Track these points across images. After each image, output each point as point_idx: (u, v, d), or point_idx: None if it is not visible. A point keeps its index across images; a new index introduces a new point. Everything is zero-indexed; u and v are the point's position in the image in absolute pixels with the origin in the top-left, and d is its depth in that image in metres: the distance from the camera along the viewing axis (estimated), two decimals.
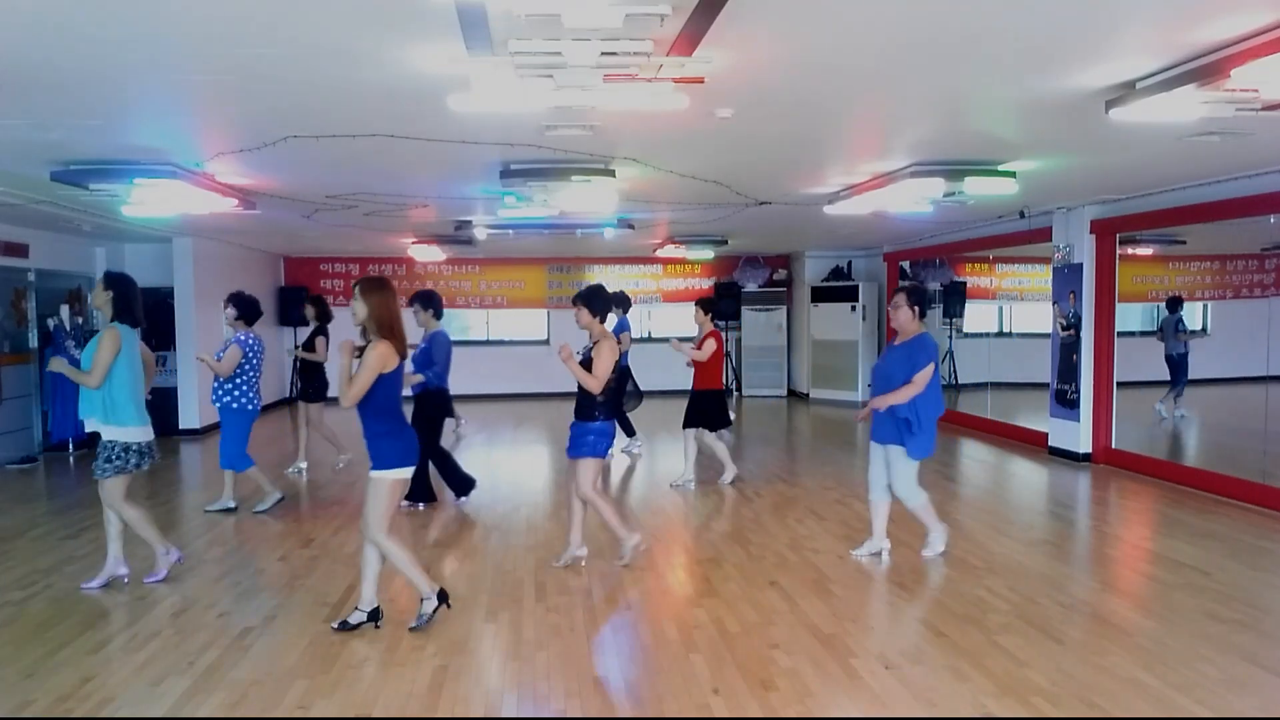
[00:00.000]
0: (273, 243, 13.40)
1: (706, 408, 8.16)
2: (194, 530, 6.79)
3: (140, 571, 5.54)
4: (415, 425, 7.22)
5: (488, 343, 16.49)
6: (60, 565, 5.84)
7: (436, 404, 7.41)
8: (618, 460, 9.71)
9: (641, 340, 16.09)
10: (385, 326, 4.46)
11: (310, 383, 9.05)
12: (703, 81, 4.05)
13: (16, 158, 6.15)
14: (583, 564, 5.78)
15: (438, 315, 7.52)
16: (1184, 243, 10.98)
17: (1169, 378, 11.61)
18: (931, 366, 5.53)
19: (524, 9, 3.03)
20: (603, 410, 5.56)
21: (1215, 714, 3.68)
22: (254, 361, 7.28)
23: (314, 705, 3.80)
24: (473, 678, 4.09)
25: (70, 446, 10.34)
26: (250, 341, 7.26)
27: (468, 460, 10.11)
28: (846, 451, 10.51)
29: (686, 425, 8.27)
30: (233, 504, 7.35)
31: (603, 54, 3.54)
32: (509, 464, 10.13)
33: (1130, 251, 10.02)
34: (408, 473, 4.55)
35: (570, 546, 5.80)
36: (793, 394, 15.92)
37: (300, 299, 10.94)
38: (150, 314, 11.97)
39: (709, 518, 7.19)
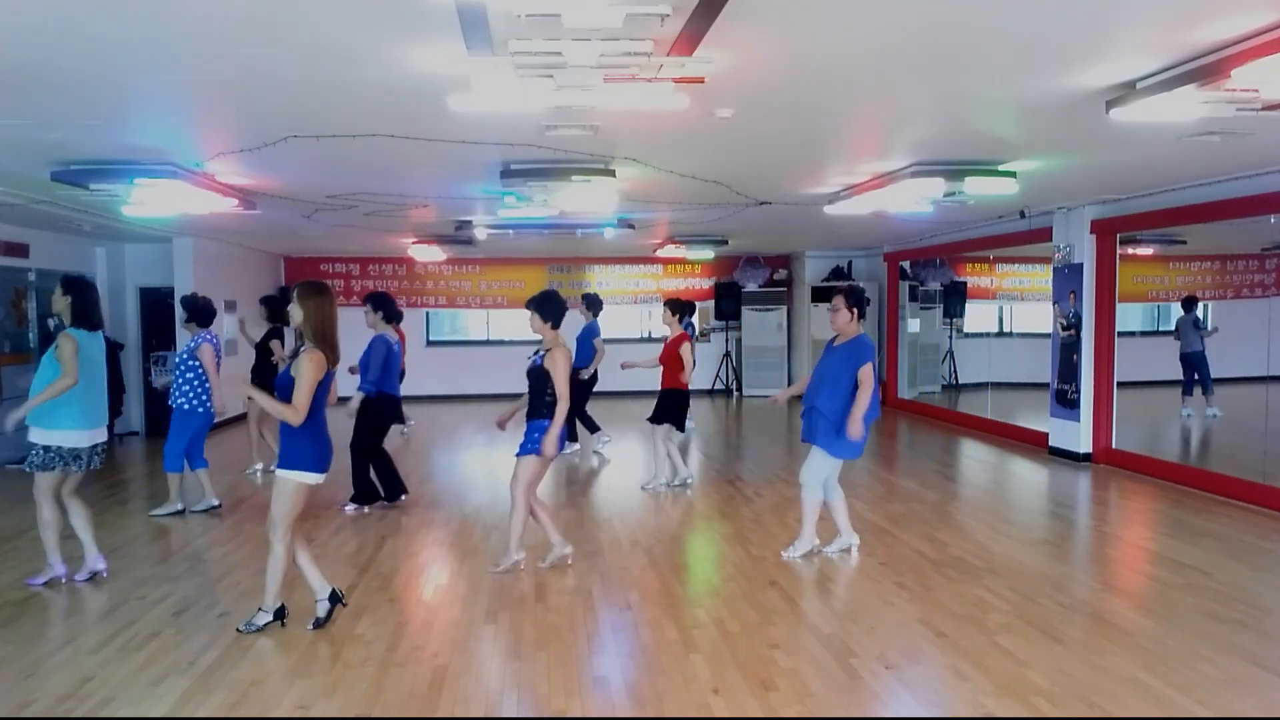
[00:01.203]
0: (273, 243, 13.40)
1: (668, 406, 8.13)
2: (194, 530, 6.79)
3: (114, 567, 5.54)
4: (360, 427, 7.24)
5: (488, 343, 16.49)
6: None
7: (385, 408, 7.35)
8: (594, 460, 9.72)
9: (642, 340, 16.14)
10: (318, 333, 4.47)
11: (259, 381, 8.82)
12: (703, 81, 4.05)
13: (17, 158, 6.15)
14: (569, 562, 5.78)
15: (388, 319, 7.44)
16: (1184, 243, 10.98)
17: (1183, 378, 11.56)
18: (870, 365, 5.61)
19: (524, 9, 3.03)
20: (549, 410, 5.48)
21: (1215, 714, 3.68)
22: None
23: (314, 705, 3.80)
24: (473, 678, 4.09)
25: None
26: (211, 340, 7.26)
27: (470, 460, 10.14)
28: None
29: (653, 420, 8.24)
30: (216, 502, 7.36)
31: (603, 54, 3.54)
32: (509, 464, 10.10)
33: (1130, 251, 10.02)
34: (311, 478, 4.47)
35: (554, 546, 5.78)
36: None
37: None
38: (150, 314, 12.12)
39: (709, 518, 7.19)
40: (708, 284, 16.28)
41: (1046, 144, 6.13)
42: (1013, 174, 6.77)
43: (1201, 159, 6.52)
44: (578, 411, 9.63)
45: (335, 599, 4.70)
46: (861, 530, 6.56)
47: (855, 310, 5.73)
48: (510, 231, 10.89)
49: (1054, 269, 9.64)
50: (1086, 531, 6.95)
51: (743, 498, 7.80)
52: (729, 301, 15.88)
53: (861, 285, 6.42)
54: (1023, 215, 9.59)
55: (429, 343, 16.13)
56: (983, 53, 4.06)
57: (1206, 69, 3.93)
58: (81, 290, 5.39)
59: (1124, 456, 9.02)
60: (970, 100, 4.93)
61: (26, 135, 5.45)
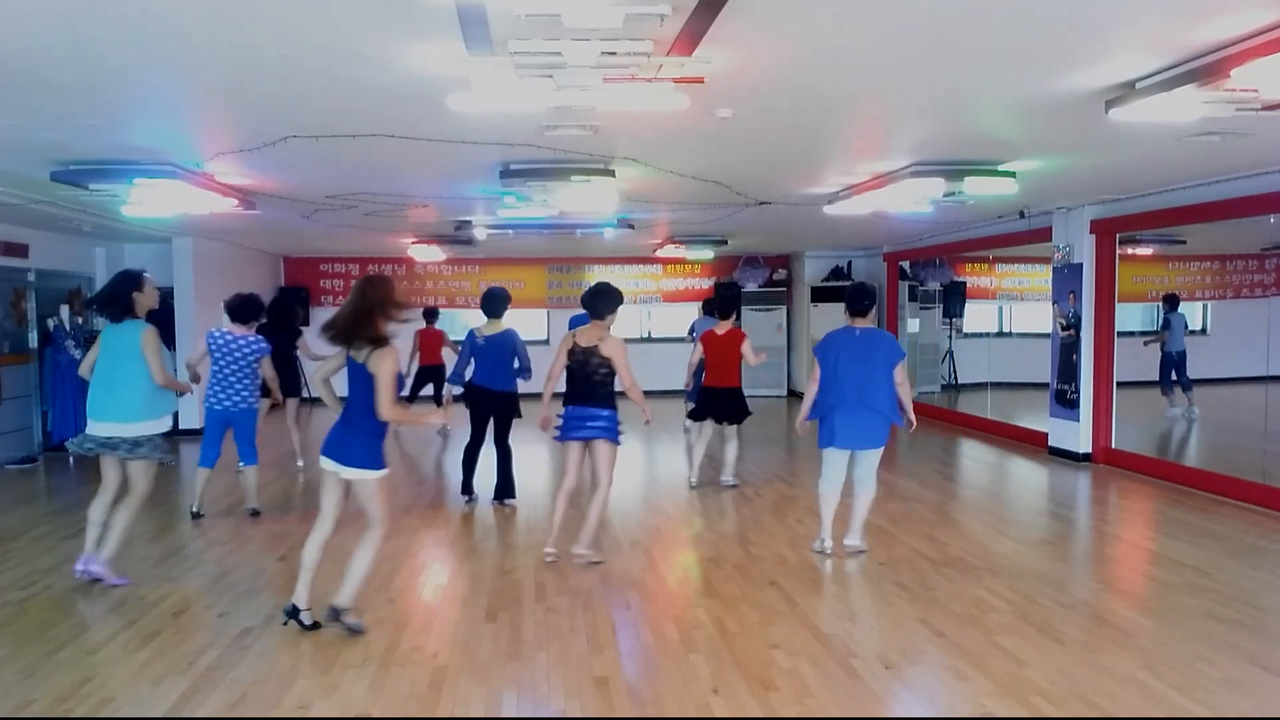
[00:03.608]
0: (273, 243, 13.40)
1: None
2: (193, 530, 6.78)
3: (115, 568, 5.53)
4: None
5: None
6: (60, 565, 5.82)
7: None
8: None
9: (643, 340, 16.13)
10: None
11: (283, 378, 8.58)
12: (703, 81, 4.05)
13: (16, 158, 6.15)
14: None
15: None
16: (1184, 243, 10.98)
17: (1175, 376, 11.52)
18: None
19: (524, 9, 3.03)
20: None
21: (1215, 714, 3.68)
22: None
23: (314, 705, 3.80)
24: (473, 678, 4.09)
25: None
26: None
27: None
28: None
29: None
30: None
31: (603, 54, 3.55)
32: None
33: (1130, 251, 10.02)
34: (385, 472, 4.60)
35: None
36: (793, 394, 15.91)
37: (302, 299, 10.90)
38: (149, 314, 12.06)
39: (709, 518, 7.19)
40: (707, 284, 16.27)
41: (1046, 144, 6.13)
42: (1013, 174, 6.77)
43: (1201, 159, 6.52)
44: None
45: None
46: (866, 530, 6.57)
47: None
48: (510, 231, 10.89)
49: (1054, 269, 9.64)
50: (1086, 531, 6.95)
51: (743, 498, 7.80)
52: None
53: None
54: (1022, 215, 9.59)
55: None
56: (982, 52, 4.06)
57: (1206, 69, 3.93)
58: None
59: (1124, 456, 9.01)
60: (970, 100, 4.93)
61: (26, 135, 5.45)
